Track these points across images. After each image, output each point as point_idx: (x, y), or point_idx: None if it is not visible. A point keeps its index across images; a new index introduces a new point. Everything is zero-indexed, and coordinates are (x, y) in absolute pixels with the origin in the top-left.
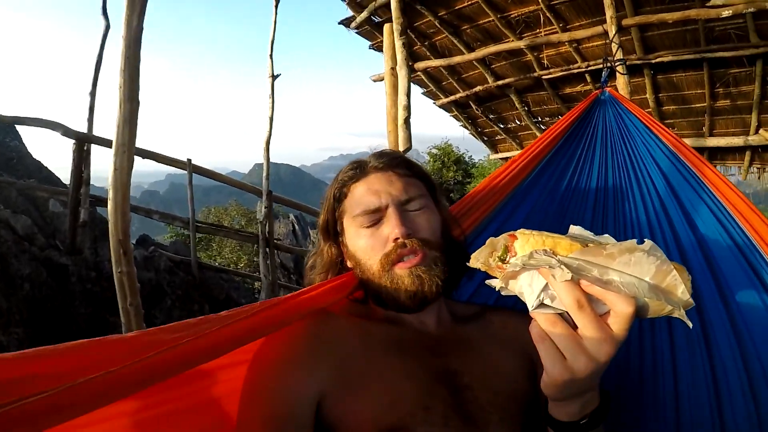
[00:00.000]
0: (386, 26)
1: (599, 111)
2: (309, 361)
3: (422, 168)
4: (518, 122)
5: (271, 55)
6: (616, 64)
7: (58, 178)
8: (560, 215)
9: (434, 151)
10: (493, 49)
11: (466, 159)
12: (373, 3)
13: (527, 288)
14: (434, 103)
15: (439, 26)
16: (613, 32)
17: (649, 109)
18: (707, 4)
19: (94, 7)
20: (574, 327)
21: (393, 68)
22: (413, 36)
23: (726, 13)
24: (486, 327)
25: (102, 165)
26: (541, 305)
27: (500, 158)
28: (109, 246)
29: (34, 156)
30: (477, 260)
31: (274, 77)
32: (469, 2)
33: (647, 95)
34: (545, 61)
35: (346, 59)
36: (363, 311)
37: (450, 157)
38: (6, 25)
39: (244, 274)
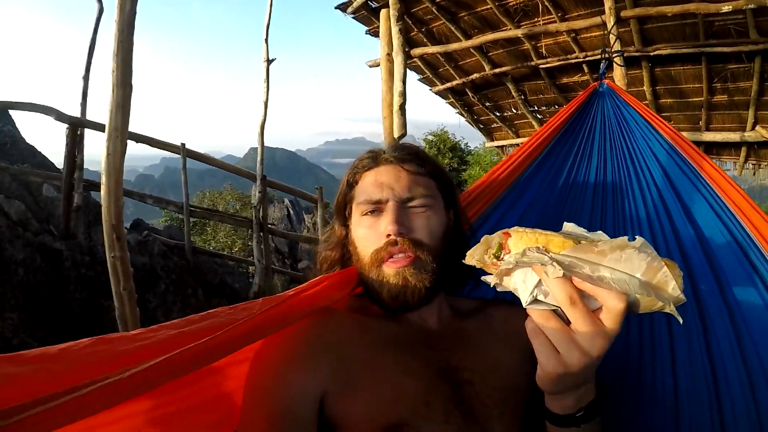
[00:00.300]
0: (383, 11)
1: (597, 103)
2: (310, 359)
3: (438, 166)
4: (514, 111)
5: (266, 40)
6: (614, 55)
7: (52, 163)
8: (559, 209)
9: (430, 137)
10: (490, 36)
11: (462, 146)
12: None
13: (521, 284)
14: (430, 89)
15: (436, 13)
16: (612, 23)
17: (646, 102)
18: None
19: None
20: (568, 322)
21: (389, 54)
22: (410, 22)
23: (726, 8)
24: (487, 322)
25: (96, 149)
26: (535, 301)
27: (496, 146)
28: (103, 231)
29: (28, 141)
30: (472, 257)
31: (269, 62)
32: None
33: (645, 87)
34: (543, 51)
35: (344, 45)
36: (363, 306)
37: (446, 144)
38: None
39: (238, 259)
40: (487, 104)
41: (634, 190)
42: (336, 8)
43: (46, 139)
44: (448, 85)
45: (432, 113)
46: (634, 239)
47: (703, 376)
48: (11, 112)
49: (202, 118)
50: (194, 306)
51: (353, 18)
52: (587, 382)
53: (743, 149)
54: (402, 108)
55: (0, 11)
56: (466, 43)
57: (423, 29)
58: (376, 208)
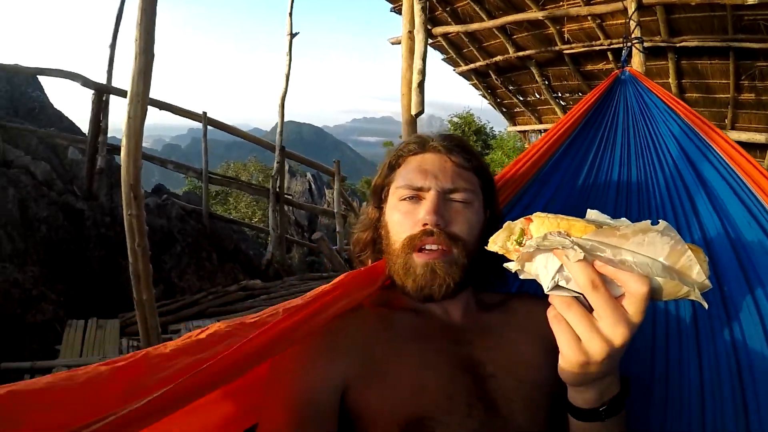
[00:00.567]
0: None
1: (620, 90)
2: (333, 351)
3: (483, 163)
4: (537, 96)
5: (290, 14)
6: (634, 42)
7: (78, 128)
8: (583, 198)
9: (455, 119)
10: (511, 18)
11: (487, 131)
12: None
13: (542, 270)
14: (454, 70)
15: None
16: (633, 9)
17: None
18: None
19: None
20: (590, 310)
21: (410, 32)
22: (435, 1)
23: (751, 0)
24: (511, 315)
25: (120, 116)
26: (557, 287)
27: (518, 131)
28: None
29: (56, 106)
30: (495, 243)
31: (292, 35)
32: None
33: (670, 80)
34: (567, 36)
35: (373, 23)
36: (388, 299)
37: (471, 127)
38: None
39: (253, 227)
40: (511, 88)
41: (658, 177)
42: None
43: (74, 105)
44: (472, 66)
45: (459, 95)
46: (657, 223)
47: (727, 368)
48: (40, 78)
49: (232, 90)
50: (208, 269)
51: None
52: (610, 374)
53: None
54: (420, 86)
55: None
56: (487, 23)
57: (447, 8)
58: (416, 194)
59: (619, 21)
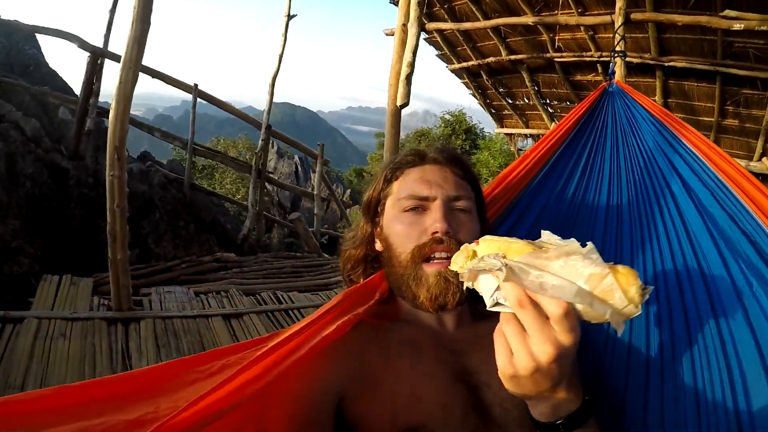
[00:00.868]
0: None
1: (608, 103)
2: (331, 361)
3: (475, 175)
4: (526, 100)
5: None
6: (617, 55)
7: (71, 89)
8: (572, 212)
9: (447, 116)
10: (502, 20)
11: (477, 131)
12: None
13: (485, 288)
14: (447, 66)
15: None
16: (619, 23)
17: None
18: (720, 14)
19: None
20: None
21: (404, 24)
22: None
23: (737, 26)
24: None
25: (113, 81)
26: (497, 304)
27: (505, 133)
28: None
29: (51, 65)
30: (456, 263)
31: (289, 17)
32: None
33: (656, 98)
34: (559, 44)
35: (377, 13)
36: (384, 311)
37: (461, 126)
38: None
39: (233, 201)
40: (501, 90)
41: (648, 191)
42: None
43: (68, 66)
44: (465, 64)
45: (455, 94)
46: (585, 245)
47: (719, 381)
48: (38, 36)
49: (228, 66)
50: (184, 238)
51: None
52: (551, 390)
53: None
54: (408, 78)
55: None
56: (480, 23)
57: (445, 6)
58: (421, 205)
59: (611, 34)
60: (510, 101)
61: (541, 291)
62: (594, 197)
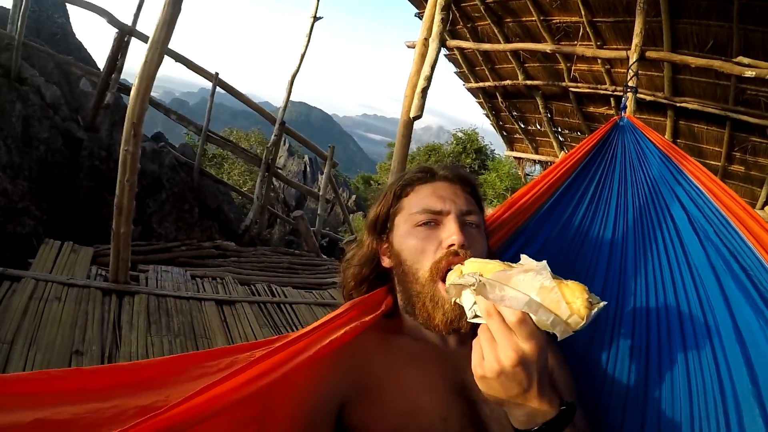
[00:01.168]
0: None
1: (618, 136)
2: (335, 368)
3: (480, 196)
4: (538, 126)
5: None
6: (628, 90)
7: (95, 62)
8: (577, 244)
9: (460, 134)
10: (521, 45)
11: (487, 152)
12: None
13: (466, 302)
14: (464, 84)
15: (483, 12)
16: (634, 59)
17: None
18: (734, 60)
19: None
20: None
21: (426, 39)
22: (458, 15)
23: (749, 73)
24: None
25: (137, 60)
26: (476, 316)
27: (514, 156)
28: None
29: (77, 36)
30: (449, 281)
31: (315, 18)
32: None
33: (666, 137)
34: (575, 74)
35: (401, 24)
36: (387, 325)
37: (473, 145)
38: None
39: (240, 192)
40: (514, 113)
41: (653, 224)
42: None
43: (94, 40)
44: (481, 84)
45: (470, 113)
46: (540, 263)
47: (715, 419)
48: (68, 5)
49: (249, 60)
50: (187, 221)
51: None
52: (522, 396)
53: None
54: (424, 92)
55: None
56: (499, 46)
57: (469, 25)
58: (434, 219)
59: (626, 70)
60: (522, 125)
61: (501, 302)
62: (600, 228)
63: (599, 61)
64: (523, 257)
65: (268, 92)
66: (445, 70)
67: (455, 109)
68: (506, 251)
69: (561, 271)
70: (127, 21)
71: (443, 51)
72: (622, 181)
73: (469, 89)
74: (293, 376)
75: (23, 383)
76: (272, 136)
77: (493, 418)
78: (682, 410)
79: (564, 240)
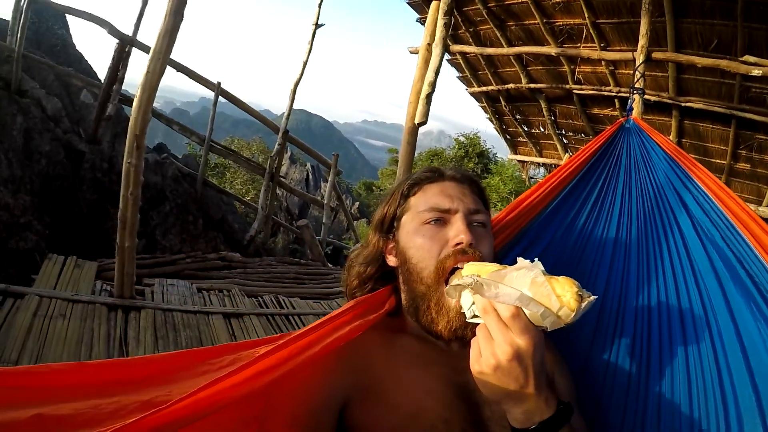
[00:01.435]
0: (434, 2)
1: (624, 139)
2: (338, 367)
3: (486, 197)
4: (542, 129)
5: (320, 4)
6: (634, 92)
7: (95, 73)
8: (580, 247)
9: (462, 139)
10: (527, 49)
11: (490, 155)
12: None
13: (465, 303)
14: (466, 89)
15: (486, 16)
16: (640, 61)
17: None
18: (740, 59)
19: None
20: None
21: (429, 44)
22: (460, 20)
23: (756, 72)
24: None
25: (138, 70)
26: (474, 316)
27: (518, 160)
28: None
29: (78, 47)
30: (451, 283)
31: (317, 25)
32: (519, 0)
33: (671, 137)
34: (579, 76)
35: (400, 30)
36: (391, 325)
37: (475, 149)
38: None
39: (243, 201)
40: (517, 117)
41: (657, 228)
42: None
43: (95, 50)
44: (484, 88)
45: (472, 118)
46: (533, 261)
47: (716, 424)
48: (68, 16)
49: (249, 69)
50: (192, 233)
51: (408, 4)
52: (519, 394)
53: None
54: (428, 97)
55: None
56: (502, 50)
57: (471, 29)
58: (442, 217)
59: (631, 71)
60: (526, 129)
61: (496, 299)
62: (603, 231)
63: (603, 62)
64: (519, 259)
65: (269, 100)
66: (445, 73)
67: (455, 113)
68: (509, 253)
69: (563, 273)
70: (128, 31)
71: (446, 56)
72: (627, 183)
73: (472, 94)
74: (297, 373)
75: (25, 376)
76: (276, 145)
77: (494, 420)
78: (683, 415)
79: (567, 242)
